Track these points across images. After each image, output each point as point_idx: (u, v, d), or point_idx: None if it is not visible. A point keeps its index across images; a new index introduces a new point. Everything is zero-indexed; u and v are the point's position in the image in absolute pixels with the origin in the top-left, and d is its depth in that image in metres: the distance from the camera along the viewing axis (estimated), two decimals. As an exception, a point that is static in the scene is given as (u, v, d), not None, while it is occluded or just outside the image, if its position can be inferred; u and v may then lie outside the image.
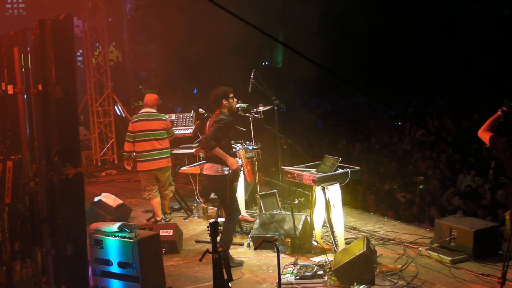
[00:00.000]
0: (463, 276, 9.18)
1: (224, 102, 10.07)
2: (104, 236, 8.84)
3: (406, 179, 17.37)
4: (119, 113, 20.91)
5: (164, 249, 10.25)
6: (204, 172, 10.28)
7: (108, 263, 8.81)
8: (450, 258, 9.71)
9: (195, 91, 31.43)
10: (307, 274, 9.15)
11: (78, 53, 20.57)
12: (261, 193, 12.50)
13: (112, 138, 20.11)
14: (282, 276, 8.68)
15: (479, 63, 29.34)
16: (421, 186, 16.16)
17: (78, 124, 8.23)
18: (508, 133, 8.12)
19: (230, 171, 10.00)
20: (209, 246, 7.90)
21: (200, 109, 12.84)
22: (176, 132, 13.28)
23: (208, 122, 10.28)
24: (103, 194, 13.17)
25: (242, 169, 11.47)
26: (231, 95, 10.19)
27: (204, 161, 10.56)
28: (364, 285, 8.75)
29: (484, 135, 7.56)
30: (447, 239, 10.09)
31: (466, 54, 29.59)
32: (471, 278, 9.11)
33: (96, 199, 13.00)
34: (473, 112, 23.62)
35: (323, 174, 10.04)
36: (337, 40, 23.64)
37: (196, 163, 12.89)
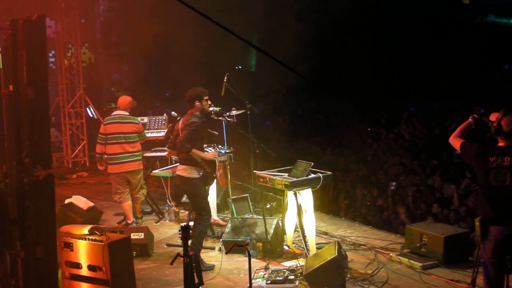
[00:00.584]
0: (433, 282, 9.24)
1: (197, 103, 10.05)
2: (74, 239, 8.77)
3: (377, 185, 17.41)
4: (91, 115, 20.82)
5: (135, 253, 10.20)
6: (177, 173, 10.27)
7: (78, 266, 8.75)
8: (421, 264, 9.77)
9: (167, 94, 31.29)
10: (278, 278, 9.16)
11: (50, 54, 20.39)
12: (233, 197, 12.49)
13: (83, 140, 20.01)
14: (253, 281, 8.68)
15: (450, 70, 29.51)
16: (392, 188, 16.27)
17: (50, 125, 8.17)
18: (479, 140, 8.17)
19: (202, 174, 10.00)
20: (180, 250, 7.86)
21: (173, 112, 12.80)
22: (148, 135, 13.27)
23: (180, 123, 10.25)
24: (74, 197, 13.10)
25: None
26: (206, 97, 10.18)
27: (177, 164, 10.56)
28: (335, 290, 8.78)
29: (455, 141, 7.60)
30: (418, 244, 10.14)
31: (437, 60, 29.76)
32: (441, 284, 9.17)
33: (67, 201, 12.92)
34: (443, 119, 23.76)
35: (295, 179, 10.06)
36: (313, 46, 23.64)
37: (168, 166, 12.86)
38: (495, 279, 7.06)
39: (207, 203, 10.40)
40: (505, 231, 6.91)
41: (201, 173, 10.00)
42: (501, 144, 7.11)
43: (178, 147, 9.96)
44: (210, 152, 10.47)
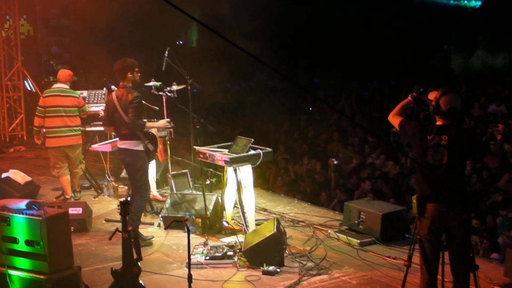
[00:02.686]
0: (371, 259, 9.38)
1: (129, 75, 9.96)
2: (11, 214, 8.65)
3: (318, 162, 17.53)
4: (29, 88, 20.50)
5: (73, 228, 10.10)
6: (119, 146, 10.12)
7: (15, 240, 8.64)
8: (358, 241, 9.90)
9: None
10: (217, 254, 9.19)
11: (-13, 26, 20.05)
12: (172, 172, 12.45)
13: (21, 113, 19.71)
14: (192, 256, 8.68)
15: (391, 49, 29.79)
16: (335, 163, 16.40)
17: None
18: (417, 118, 8.27)
19: (145, 147, 9.94)
20: (119, 225, 7.83)
21: (113, 86, 12.67)
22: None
23: (114, 98, 10.04)
24: (11, 171, 12.89)
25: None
26: (137, 68, 10.08)
27: (116, 139, 10.47)
28: (273, 266, 8.84)
29: (394, 119, 7.66)
30: (356, 222, 10.26)
31: (377, 39, 29.99)
32: (378, 260, 9.31)
33: (4, 175, 12.71)
34: (383, 97, 24.04)
35: (235, 155, 10.04)
36: (257, 22, 23.65)
37: (108, 141, 12.75)
38: (430, 255, 7.17)
39: (148, 178, 10.37)
40: (441, 209, 7.01)
41: (144, 146, 9.95)
42: (439, 123, 7.19)
43: (131, 127, 9.87)
44: (162, 121, 10.46)
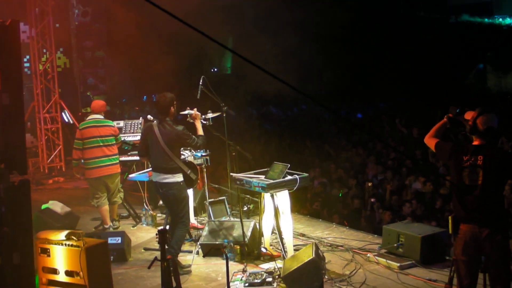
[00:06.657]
0: (411, 282, 9.28)
1: (172, 109, 10.01)
2: (51, 244, 8.73)
3: (354, 186, 17.46)
4: (66, 120, 20.73)
5: (112, 257, 10.17)
6: (160, 181, 10.06)
7: (55, 271, 8.71)
8: (398, 264, 9.80)
9: (144, 98, 31.29)
10: (256, 281, 9.17)
11: (25, 59, 20.29)
12: (210, 200, 12.47)
13: (59, 145, 19.91)
14: (231, 283, 8.69)
15: (426, 69, 29.67)
16: (370, 184, 16.32)
17: (25, 131, 8.12)
18: (454, 139, 8.22)
19: (189, 176, 10.04)
20: (157, 254, 7.85)
21: (149, 116, 12.75)
22: (125, 138, 13.22)
23: (156, 130, 10.03)
24: (50, 202, 13.02)
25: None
26: (175, 102, 10.16)
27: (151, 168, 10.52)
28: (313, 292, 8.79)
29: (430, 141, 7.64)
30: (395, 245, 10.18)
31: (412, 60, 29.91)
32: (418, 283, 9.21)
33: (44, 207, 12.85)
34: (418, 118, 23.87)
35: (272, 181, 10.05)
36: (285, 46, 23.74)
37: (145, 170, 12.82)
38: (464, 276, 7.10)
39: (189, 207, 10.44)
40: (474, 230, 6.97)
41: (185, 176, 10.04)
42: (475, 143, 7.16)
43: (198, 148, 10.73)
44: (197, 121, 10.61)
